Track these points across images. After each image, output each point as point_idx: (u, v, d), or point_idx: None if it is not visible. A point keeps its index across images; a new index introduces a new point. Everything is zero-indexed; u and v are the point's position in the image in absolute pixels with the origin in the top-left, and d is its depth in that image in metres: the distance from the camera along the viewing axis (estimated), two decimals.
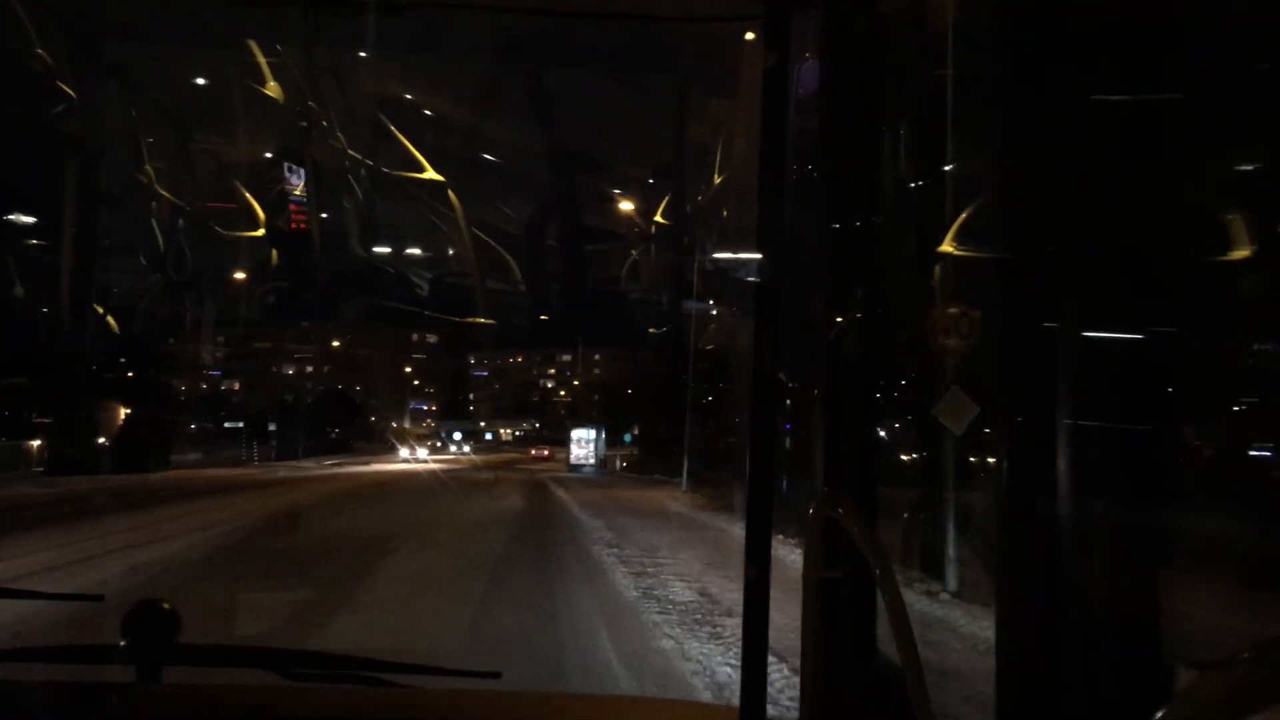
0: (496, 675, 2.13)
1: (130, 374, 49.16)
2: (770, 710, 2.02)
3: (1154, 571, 1.25)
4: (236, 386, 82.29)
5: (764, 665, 2.02)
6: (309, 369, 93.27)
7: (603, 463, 49.21)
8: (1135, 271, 1.27)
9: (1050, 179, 1.35)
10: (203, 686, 2.01)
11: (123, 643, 1.95)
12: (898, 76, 2.32)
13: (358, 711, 2.02)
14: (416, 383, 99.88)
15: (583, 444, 49.51)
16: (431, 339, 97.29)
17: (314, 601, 10.61)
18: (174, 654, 1.98)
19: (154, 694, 1.97)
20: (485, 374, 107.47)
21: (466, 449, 76.63)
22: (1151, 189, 1.31)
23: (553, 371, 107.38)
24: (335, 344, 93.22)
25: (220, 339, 77.60)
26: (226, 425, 63.64)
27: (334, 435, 73.30)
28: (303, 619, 9.67)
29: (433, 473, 42.38)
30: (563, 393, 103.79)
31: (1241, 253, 1.33)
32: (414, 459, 56.68)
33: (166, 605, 2.01)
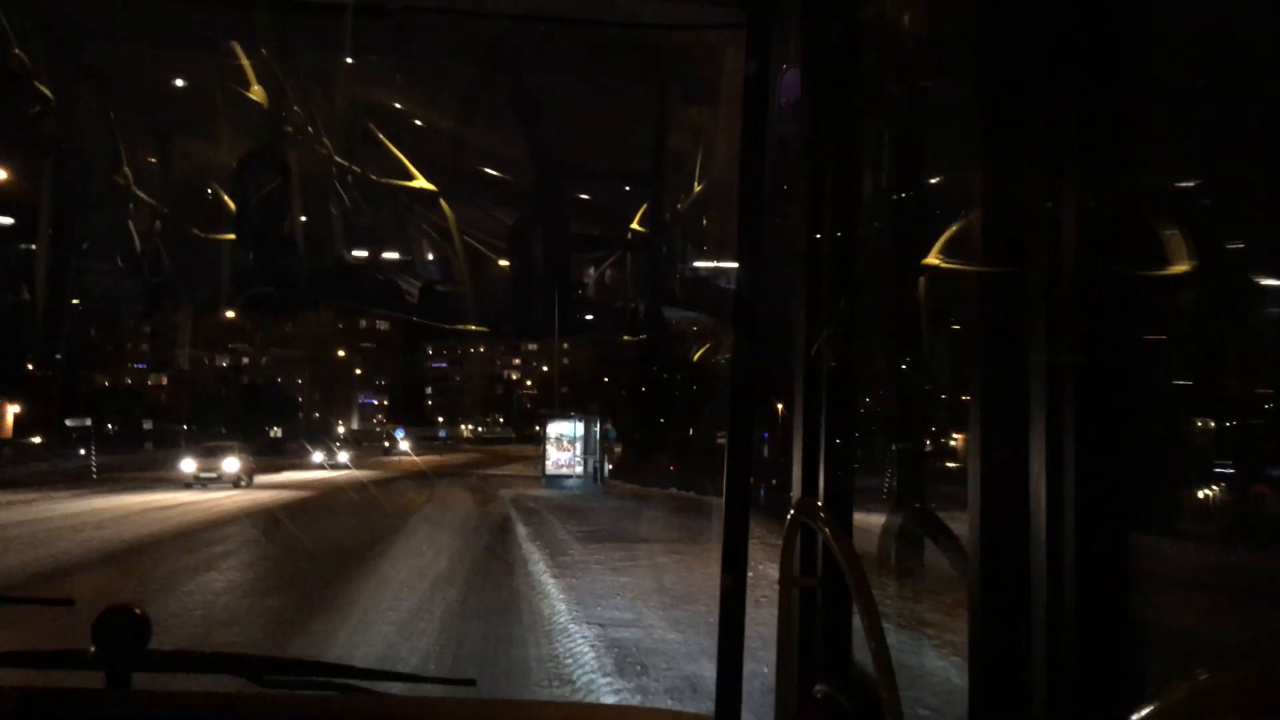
0: (471, 682, 2.12)
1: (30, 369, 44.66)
2: (745, 718, 2.02)
3: (1123, 578, 1.26)
4: (165, 382, 75.05)
5: (739, 673, 2.02)
6: (245, 361, 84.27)
7: (597, 472, 34.18)
8: (1100, 288, 1.28)
9: (1018, 192, 1.36)
10: (173, 693, 1.99)
11: (92, 648, 1.93)
12: (878, 86, 2.33)
13: (330, 719, 2.00)
14: (370, 376, 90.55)
15: (564, 444, 33.97)
16: (383, 326, 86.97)
17: None
18: (144, 660, 1.96)
19: (123, 700, 1.94)
20: (444, 365, 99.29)
21: (405, 446, 64.77)
22: (1113, 204, 1.32)
23: (518, 361, 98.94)
24: (281, 331, 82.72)
25: (147, 329, 71.35)
26: (146, 426, 57.90)
27: (270, 435, 66.36)
28: None
29: (292, 505, 24.86)
30: (529, 383, 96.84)
31: (1181, 267, 1.35)
32: (332, 464, 45.03)
33: (137, 610, 1.99)
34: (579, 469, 34.03)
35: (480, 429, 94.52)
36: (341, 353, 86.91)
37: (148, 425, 57.13)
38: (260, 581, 13.37)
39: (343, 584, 12.62)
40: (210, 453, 34.61)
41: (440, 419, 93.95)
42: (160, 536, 18.44)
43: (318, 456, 48.07)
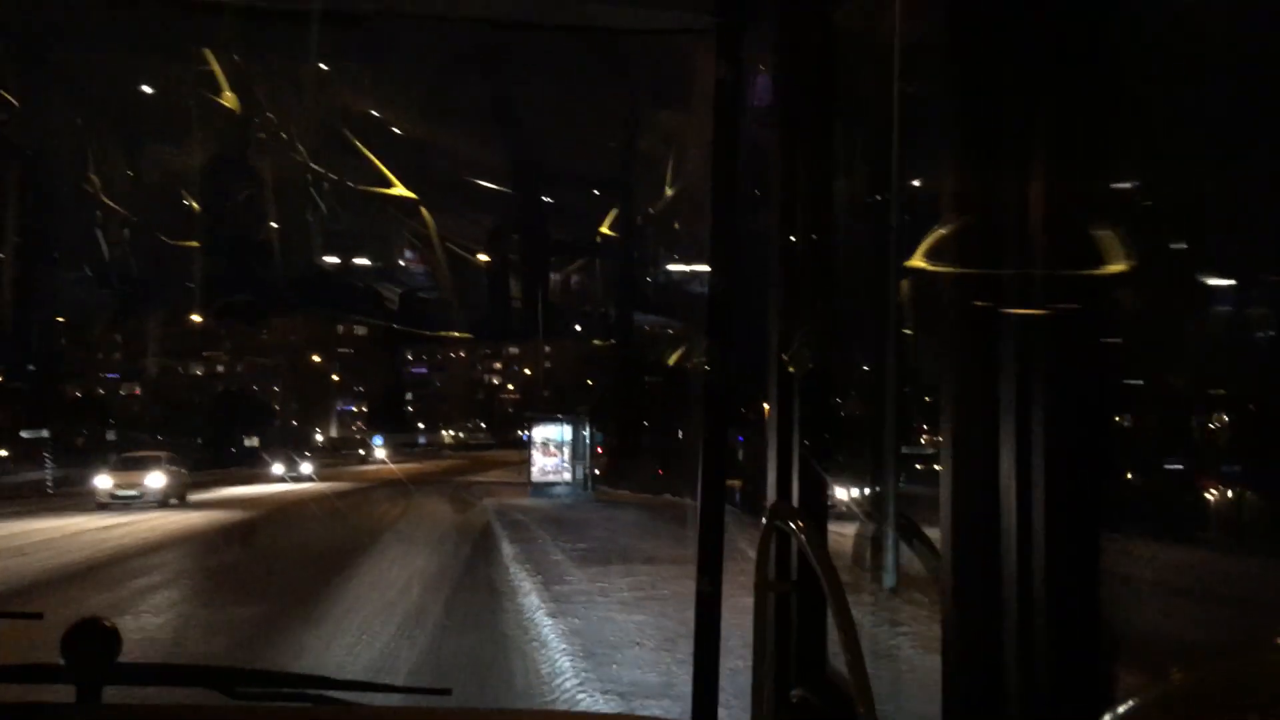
0: (446, 692, 2.11)
1: None
2: None
3: (1095, 578, 1.27)
4: (137, 391, 71.30)
5: (715, 677, 2.02)
6: (219, 369, 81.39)
7: (588, 478, 31.57)
8: (1069, 290, 1.29)
9: (990, 195, 1.37)
10: (145, 706, 1.97)
11: (62, 661, 1.91)
12: (851, 90, 2.34)
13: None
14: (349, 382, 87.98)
15: (550, 449, 31.51)
16: (360, 331, 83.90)
17: None
18: (115, 673, 1.94)
19: (94, 714, 1.92)
20: (424, 371, 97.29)
21: (381, 454, 61.46)
22: (1083, 206, 1.33)
23: (499, 366, 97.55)
24: (256, 338, 78.95)
25: (118, 338, 68.95)
26: (110, 437, 51.58)
27: (246, 444, 62.00)
28: None
29: (218, 531, 20.34)
30: (510, 387, 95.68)
31: (1116, 267, 1.36)
32: (294, 476, 40.77)
33: (107, 624, 1.96)
34: (567, 475, 31.11)
35: (461, 434, 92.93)
36: (318, 359, 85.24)
37: (111, 436, 53.73)
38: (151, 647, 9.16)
39: (276, 640, 9.72)
40: (130, 465, 28.70)
41: (421, 425, 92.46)
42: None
43: (278, 468, 42.25)
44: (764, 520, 1.89)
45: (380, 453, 62.42)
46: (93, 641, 1.93)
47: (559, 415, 34.00)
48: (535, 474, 31.06)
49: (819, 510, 1.96)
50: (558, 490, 30.12)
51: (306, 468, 43.07)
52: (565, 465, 31.18)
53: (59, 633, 1.91)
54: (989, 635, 1.30)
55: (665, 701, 7.07)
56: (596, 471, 32.52)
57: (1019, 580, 1.27)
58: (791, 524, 1.77)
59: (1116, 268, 1.32)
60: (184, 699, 2.04)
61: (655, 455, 34.49)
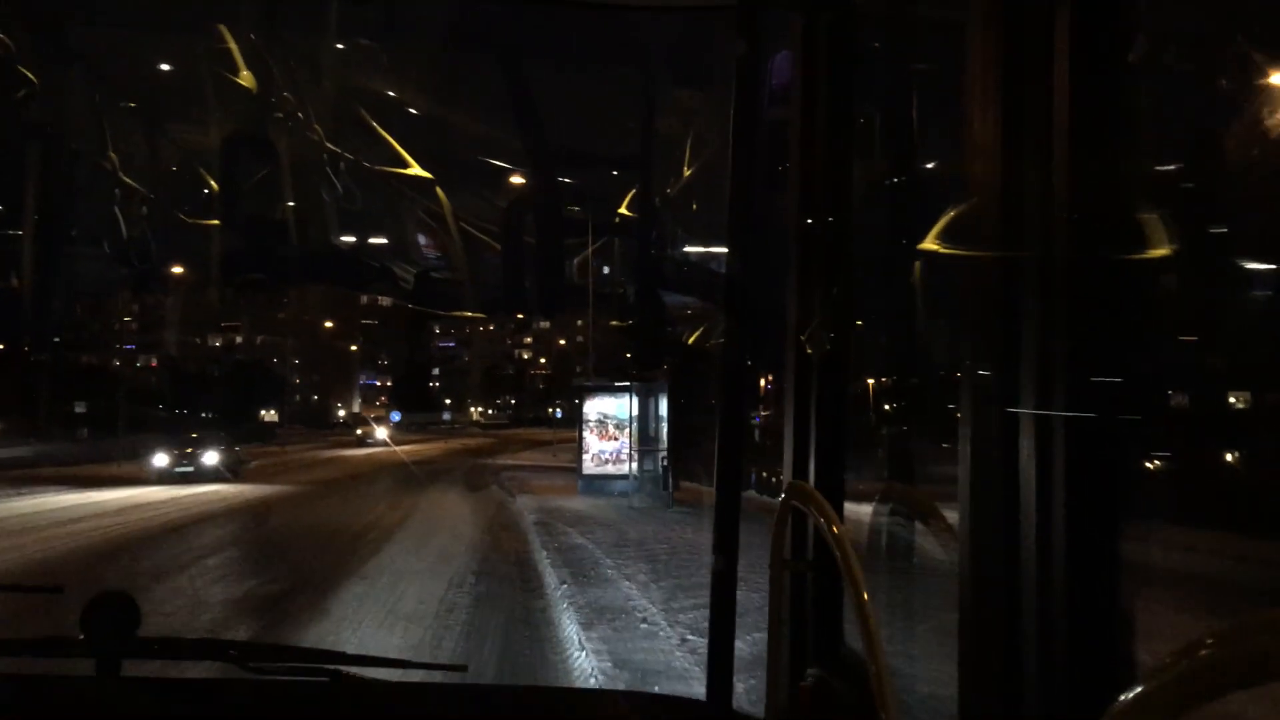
0: (463, 668, 2.12)
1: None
2: (736, 700, 2.03)
3: (1115, 565, 1.26)
4: (155, 363, 70.15)
5: (730, 656, 2.02)
6: (238, 339, 78.62)
7: (667, 473, 21.98)
8: (1092, 275, 1.28)
9: (1011, 179, 1.35)
10: (163, 679, 1.99)
11: (82, 635, 1.93)
12: (870, 70, 2.32)
13: (320, 705, 2.00)
14: (372, 354, 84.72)
15: (609, 429, 22.94)
16: (385, 302, 77.81)
17: None
18: (133, 647, 1.95)
19: (113, 687, 1.94)
20: (452, 345, 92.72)
21: (381, 434, 51.23)
22: (1106, 191, 1.32)
23: (529, 341, 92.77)
24: (274, 311, 76.69)
25: (136, 307, 67.42)
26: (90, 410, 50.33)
27: (265, 419, 59.58)
28: None
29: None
30: (543, 361, 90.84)
31: (1161, 251, 1.35)
32: (183, 474, 26.50)
33: (126, 597, 1.98)
34: (633, 467, 22.09)
35: (491, 411, 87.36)
36: (339, 331, 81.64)
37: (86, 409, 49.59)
38: None
39: None
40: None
41: (447, 401, 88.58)
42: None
43: (159, 460, 27.62)
44: (780, 500, 1.89)
45: (382, 432, 51.90)
46: (112, 615, 1.95)
47: (624, 383, 23.63)
48: (588, 463, 22.91)
49: (836, 489, 1.96)
50: (618, 486, 21.84)
51: (210, 459, 28.00)
52: (629, 452, 22.49)
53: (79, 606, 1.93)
54: (1006, 620, 1.30)
55: None
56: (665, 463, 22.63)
57: (1038, 566, 1.26)
58: (808, 503, 1.77)
59: (1141, 250, 1.31)
60: (202, 673, 2.06)
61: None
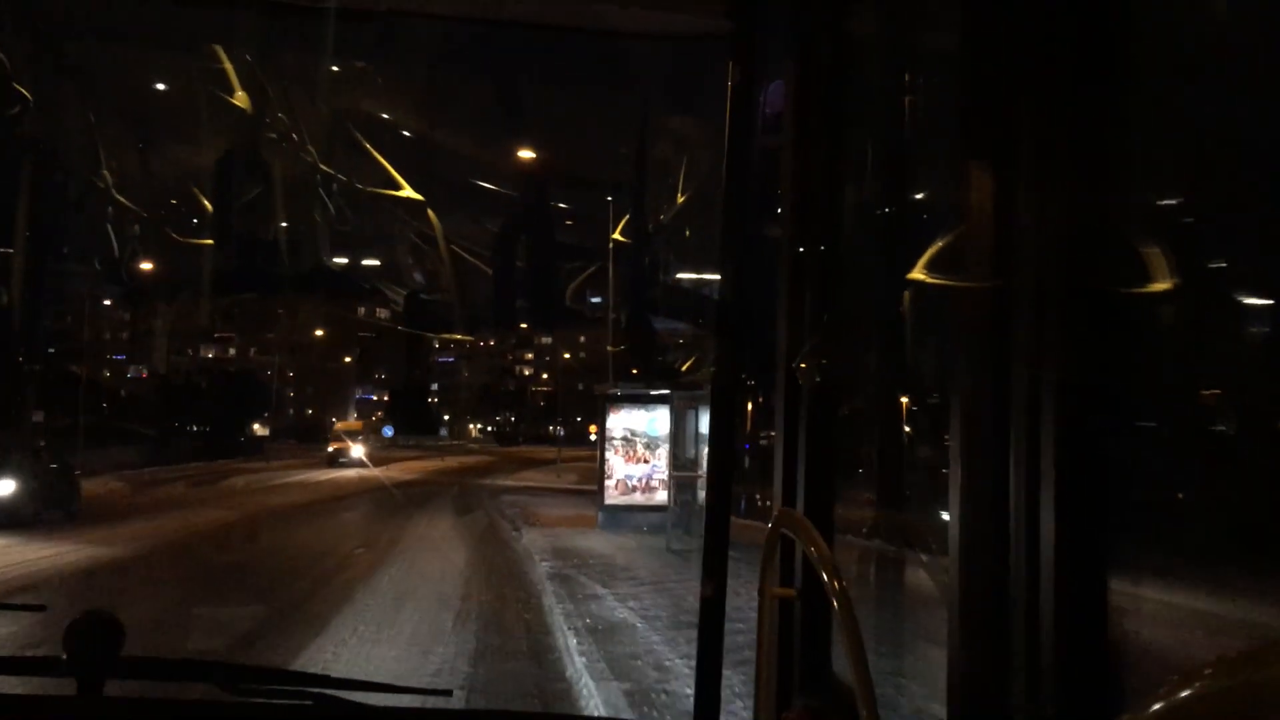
0: (448, 693, 2.10)
1: None
2: None
3: (1102, 587, 1.26)
4: (145, 375, 67.14)
5: (718, 682, 2.01)
6: (230, 351, 77.69)
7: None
8: (1081, 301, 1.29)
9: (1001, 206, 1.37)
10: (145, 700, 1.97)
11: (64, 655, 1.91)
12: (863, 99, 2.34)
13: None
14: (369, 369, 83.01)
15: (636, 449, 18.59)
16: (383, 314, 74.76)
17: None
18: (116, 667, 1.93)
19: (95, 707, 1.92)
20: (451, 360, 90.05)
21: (358, 452, 42.26)
22: (1095, 218, 1.33)
23: (530, 356, 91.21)
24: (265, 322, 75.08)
25: (127, 317, 65.75)
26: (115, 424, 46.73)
27: (258, 433, 57.05)
28: None
29: None
30: (544, 376, 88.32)
31: (1162, 285, 1.36)
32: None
33: (110, 616, 1.96)
34: (667, 496, 17.61)
35: (490, 428, 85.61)
36: (334, 344, 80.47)
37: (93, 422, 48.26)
38: None
39: None
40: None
41: (445, 417, 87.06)
42: None
43: None
44: (769, 526, 1.89)
45: (358, 450, 43.41)
46: (95, 635, 1.93)
47: (659, 392, 19.09)
48: (612, 492, 18.41)
49: (825, 516, 1.95)
50: (649, 520, 17.62)
51: (2, 489, 16.91)
52: (663, 478, 18.02)
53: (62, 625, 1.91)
54: (995, 642, 1.30)
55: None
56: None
57: (1026, 589, 1.27)
58: (796, 529, 1.77)
59: (1131, 278, 1.32)
60: (185, 694, 2.04)
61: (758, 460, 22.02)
